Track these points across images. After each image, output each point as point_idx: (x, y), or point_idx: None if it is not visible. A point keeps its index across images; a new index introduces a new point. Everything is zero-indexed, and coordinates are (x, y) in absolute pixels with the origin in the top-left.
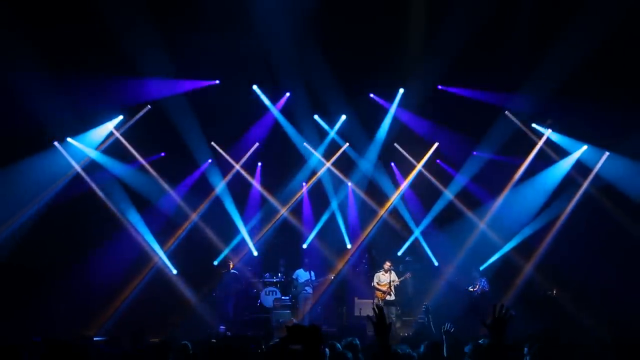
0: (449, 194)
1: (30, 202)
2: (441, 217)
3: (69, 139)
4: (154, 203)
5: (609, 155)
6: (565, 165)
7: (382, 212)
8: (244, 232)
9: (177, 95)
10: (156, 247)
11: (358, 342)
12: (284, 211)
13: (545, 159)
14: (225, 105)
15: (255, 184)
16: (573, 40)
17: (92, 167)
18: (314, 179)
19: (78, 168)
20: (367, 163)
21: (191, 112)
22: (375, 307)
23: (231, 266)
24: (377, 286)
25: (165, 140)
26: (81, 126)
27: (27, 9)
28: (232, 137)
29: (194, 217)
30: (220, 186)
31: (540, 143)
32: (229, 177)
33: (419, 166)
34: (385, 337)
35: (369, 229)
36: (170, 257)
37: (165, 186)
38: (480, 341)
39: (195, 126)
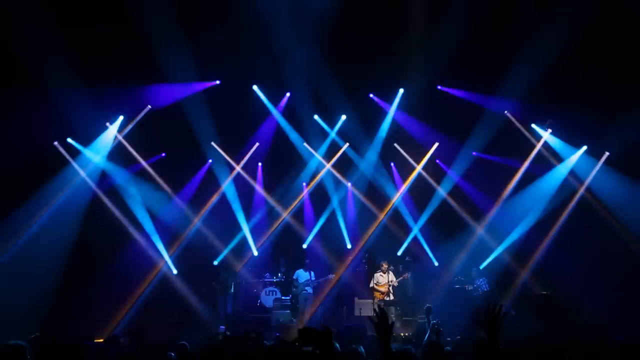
0: (448, 197)
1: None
2: (440, 220)
3: (69, 140)
4: (159, 207)
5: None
6: (562, 170)
7: (383, 215)
8: (246, 232)
9: (179, 98)
10: (163, 251)
11: (363, 350)
12: (286, 215)
13: (544, 162)
14: (229, 105)
15: (257, 186)
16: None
17: (103, 175)
18: (315, 180)
19: (91, 183)
20: (367, 163)
21: (193, 113)
22: (376, 308)
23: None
24: (375, 287)
25: (167, 141)
26: (90, 132)
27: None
28: (237, 138)
29: (198, 219)
30: (223, 187)
31: (539, 146)
32: (230, 178)
33: (419, 168)
34: (387, 338)
35: (371, 230)
36: (172, 258)
37: (169, 191)
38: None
39: (197, 127)
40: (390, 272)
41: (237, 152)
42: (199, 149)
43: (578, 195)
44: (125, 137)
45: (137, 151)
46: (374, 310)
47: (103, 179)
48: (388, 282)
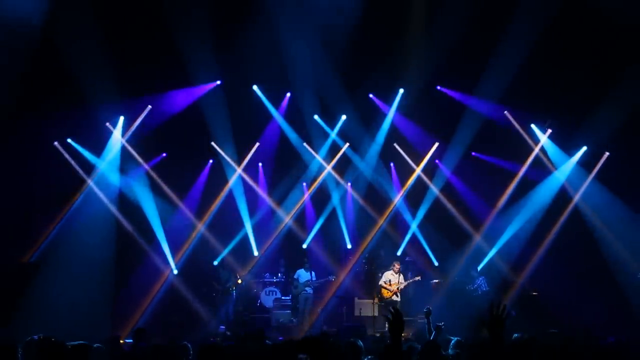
0: (447, 202)
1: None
2: (439, 223)
3: (69, 140)
4: (165, 211)
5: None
6: (558, 176)
7: (384, 218)
8: (249, 231)
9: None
10: (167, 252)
11: (362, 344)
12: (288, 220)
13: (542, 166)
14: (235, 106)
15: (258, 186)
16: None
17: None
18: (318, 181)
19: (104, 198)
20: (367, 163)
21: (197, 114)
22: (392, 308)
23: (239, 281)
24: (384, 285)
25: (170, 142)
26: (92, 133)
27: None
28: (244, 139)
29: (202, 224)
30: (226, 188)
31: (537, 149)
32: (233, 178)
33: (419, 170)
34: (400, 336)
35: (371, 230)
36: (174, 259)
37: (173, 195)
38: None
39: (200, 128)
40: (401, 273)
41: (244, 152)
42: (202, 150)
43: (572, 204)
44: (129, 140)
45: (142, 153)
46: (390, 310)
47: (114, 186)
48: (398, 282)
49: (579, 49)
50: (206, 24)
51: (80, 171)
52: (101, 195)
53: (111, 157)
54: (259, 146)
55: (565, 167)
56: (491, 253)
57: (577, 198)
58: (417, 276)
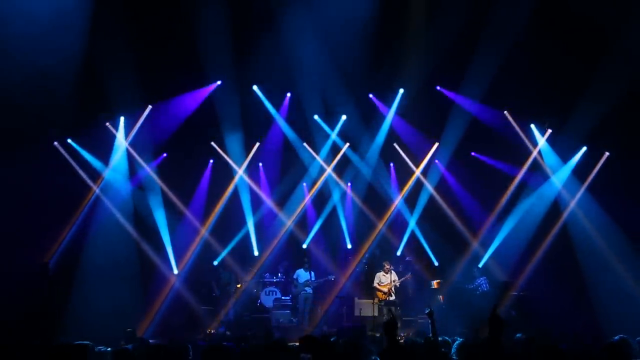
0: (445, 206)
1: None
2: (438, 225)
3: (69, 140)
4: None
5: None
6: (556, 181)
7: (384, 221)
8: (251, 231)
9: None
10: (170, 252)
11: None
12: (289, 224)
13: (540, 169)
14: (241, 106)
15: (259, 189)
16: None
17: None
18: (319, 183)
19: (111, 206)
20: (367, 164)
21: (199, 114)
22: (390, 310)
23: (240, 286)
24: (378, 287)
25: (172, 143)
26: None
27: None
28: (248, 139)
29: (205, 229)
30: (229, 188)
31: (535, 152)
32: (236, 178)
33: (418, 172)
34: (394, 334)
35: (372, 231)
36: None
37: (176, 200)
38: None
39: (203, 128)
40: (392, 272)
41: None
42: (203, 151)
43: (568, 210)
44: (134, 143)
45: (145, 154)
46: (389, 310)
47: (122, 190)
48: (390, 282)
49: (571, 46)
50: (212, 25)
51: (84, 175)
52: (107, 201)
53: (117, 160)
54: (263, 146)
55: (563, 171)
56: (488, 253)
57: (572, 204)
58: (408, 274)
